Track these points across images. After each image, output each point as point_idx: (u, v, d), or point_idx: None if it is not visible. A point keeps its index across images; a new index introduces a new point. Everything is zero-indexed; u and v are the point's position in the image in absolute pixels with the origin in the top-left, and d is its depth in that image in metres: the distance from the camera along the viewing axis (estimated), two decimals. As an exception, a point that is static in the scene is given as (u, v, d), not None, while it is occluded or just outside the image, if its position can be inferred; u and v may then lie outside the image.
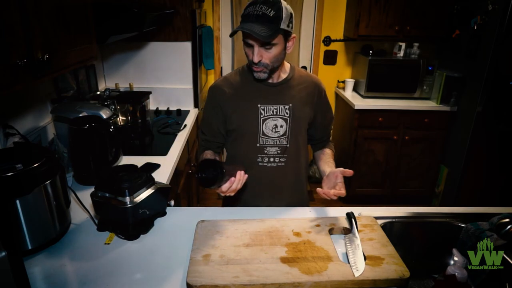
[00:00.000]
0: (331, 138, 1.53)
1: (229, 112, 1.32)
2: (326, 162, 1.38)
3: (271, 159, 1.34)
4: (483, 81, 2.55)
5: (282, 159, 1.34)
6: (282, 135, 1.32)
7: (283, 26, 1.14)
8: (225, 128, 1.38)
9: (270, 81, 1.30)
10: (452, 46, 2.99)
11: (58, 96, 1.90)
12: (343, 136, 3.33)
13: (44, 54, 1.08)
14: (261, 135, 1.32)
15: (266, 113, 1.30)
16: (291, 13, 1.18)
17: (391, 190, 3.23)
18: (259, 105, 1.29)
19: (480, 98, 2.59)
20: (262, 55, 1.18)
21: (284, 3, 1.16)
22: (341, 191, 1.19)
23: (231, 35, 1.22)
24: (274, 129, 1.31)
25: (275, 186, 1.38)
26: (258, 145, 1.32)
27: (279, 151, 1.33)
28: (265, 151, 1.33)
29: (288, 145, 1.33)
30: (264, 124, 1.31)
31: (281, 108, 1.30)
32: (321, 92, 1.38)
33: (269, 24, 1.12)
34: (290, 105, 1.30)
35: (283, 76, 1.32)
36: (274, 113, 1.30)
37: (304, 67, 3.52)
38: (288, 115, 1.30)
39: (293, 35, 1.23)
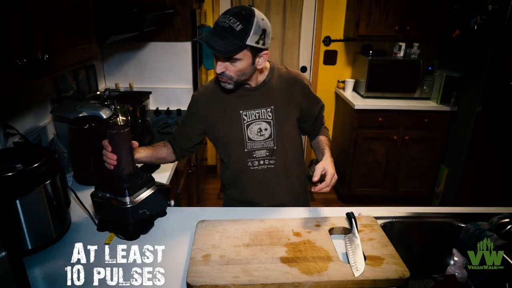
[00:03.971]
0: (324, 124, 1.49)
1: (213, 121, 1.33)
2: (320, 150, 1.36)
3: (261, 162, 1.34)
4: (483, 81, 2.55)
5: (271, 161, 1.34)
6: (268, 138, 1.31)
7: (249, 42, 1.10)
8: (198, 139, 1.39)
9: (248, 86, 1.28)
10: (452, 46, 2.99)
11: (58, 96, 1.90)
12: (343, 136, 3.33)
13: (44, 54, 1.08)
14: (247, 141, 1.31)
15: (249, 118, 1.29)
16: (263, 29, 1.13)
17: (391, 190, 3.23)
18: (241, 111, 1.29)
19: (480, 98, 2.59)
20: (226, 67, 1.16)
21: (258, 19, 1.12)
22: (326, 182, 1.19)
23: (193, 43, 1.20)
24: (259, 133, 1.31)
25: (268, 188, 1.38)
26: (246, 150, 1.32)
27: (267, 154, 1.33)
28: (254, 155, 1.33)
29: (275, 147, 1.32)
30: (248, 130, 1.30)
31: (263, 111, 1.29)
32: (304, 88, 1.34)
33: (232, 39, 1.09)
34: (272, 107, 1.29)
35: (262, 78, 1.29)
36: (257, 117, 1.29)
37: (304, 67, 3.52)
38: (271, 118, 1.29)
39: (265, 51, 1.18)
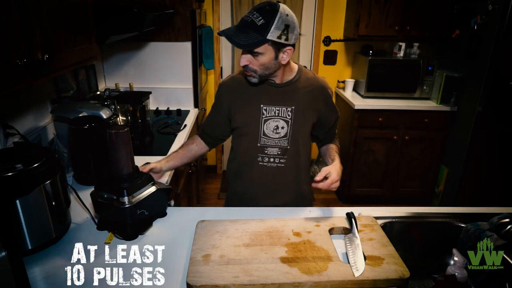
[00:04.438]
0: (336, 136, 1.51)
1: (233, 111, 1.35)
2: (329, 156, 1.38)
3: (271, 159, 1.34)
4: (483, 81, 2.55)
5: (282, 160, 1.35)
6: (283, 137, 1.32)
7: (270, 37, 1.12)
8: (227, 126, 1.41)
9: (273, 81, 1.30)
10: (452, 46, 2.99)
11: (58, 96, 1.90)
12: (343, 136, 3.33)
13: (44, 54, 1.08)
14: (262, 135, 1.32)
15: (268, 114, 1.30)
16: (287, 25, 1.13)
17: (391, 190, 3.23)
18: (261, 105, 1.30)
19: (480, 98, 2.59)
20: (250, 61, 1.19)
21: (282, 14, 1.13)
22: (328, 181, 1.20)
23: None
24: (275, 130, 1.31)
25: (274, 186, 1.39)
26: (259, 145, 1.33)
27: (279, 152, 1.34)
28: (266, 151, 1.34)
29: (288, 147, 1.33)
30: (265, 125, 1.31)
31: (284, 109, 1.30)
32: (327, 96, 1.37)
33: (253, 33, 1.11)
34: (293, 107, 1.30)
35: (289, 77, 1.31)
36: (276, 114, 1.30)
37: (304, 67, 3.52)
38: (290, 117, 1.30)
39: (289, 47, 1.18)
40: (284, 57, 1.20)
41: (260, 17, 1.11)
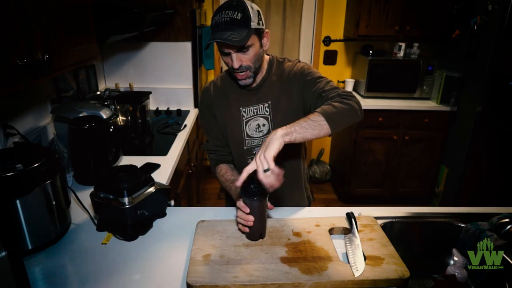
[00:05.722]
0: (338, 92, 1.13)
1: (220, 121, 1.34)
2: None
3: None
4: (483, 81, 2.55)
5: None
6: (266, 133, 1.30)
7: (253, 25, 1.12)
8: (221, 131, 1.38)
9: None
10: (452, 46, 2.99)
11: (58, 96, 1.90)
12: (343, 136, 3.33)
13: (44, 54, 1.08)
14: (246, 138, 1.32)
15: (247, 115, 1.30)
16: (258, 11, 1.15)
17: (391, 190, 3.23)
18: (240, 108, 1.30)
19: (480, 98, 2.59)
20: (242, 59, 1.16)
21: (248, 3, 1.14)
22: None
23: (206, 48, 1.20)
24: (257, 129, 1.31)
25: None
26: (245, 148, 1.33)
27: None
28: (253, 152, 1.33)
29: None
30: (247, 126, 1.31)
31: (261, 107, 1.29)
32: (301, 70, 1.26)
33: (239, 28, 1.10)
34: (269, 102, 1.28)
35: (263, 73, 1.29)
36: (255, 113, 1.30)
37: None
38: (268, 113, 1.29)
39: (266, 30, 1.20)
40: (265, 42, 1.21)
41: (236, 12, 1.10)
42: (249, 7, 1.12)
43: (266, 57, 1.32)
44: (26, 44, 1.01)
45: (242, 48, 1.13)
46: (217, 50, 1.25)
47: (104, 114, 1.70)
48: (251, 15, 1.11)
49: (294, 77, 1.27)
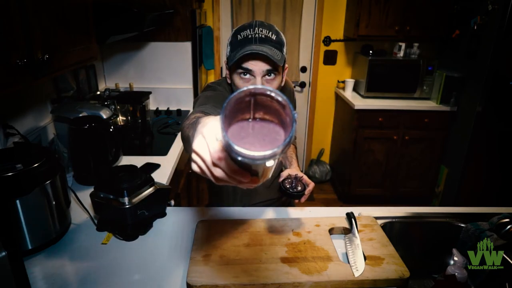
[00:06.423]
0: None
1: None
2: (287, 158, 1.36)
3: None
4: (483, 81, 2.55)
5: None
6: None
7: (284, 51, 1.02)
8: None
9: None
10: (452, 46, 2.99)
11: (58, 96, 1.90)
12: (343, 136, 3.33)
13: (44, 54, 1.08)
14: None
15: None
16: (284, 41, 1.06)
17: (391, 190, 3.23)
18: None
19: (480, 98, 2.59)
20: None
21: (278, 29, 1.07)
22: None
23: (231, 64, 1.01)
24: None
25: (244, 190, 1.35)
26: None
27: None
28: None
29: None
30: None
31: None
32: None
33: (274, 49, 0.97)
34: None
35: None
36: None
37: (304, 67, 3.52)
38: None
39: (286, 65, 1.10)
40: (284, 76, 1.10)
41: (270, 32, 0.99)
42: (281, 33, 1.03)
43: None
44: (26, 44, 1.01)
45: (272, 71, 1.00)
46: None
47: (104, 114, 1.70)
48: (284, 41, 1.02)
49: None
